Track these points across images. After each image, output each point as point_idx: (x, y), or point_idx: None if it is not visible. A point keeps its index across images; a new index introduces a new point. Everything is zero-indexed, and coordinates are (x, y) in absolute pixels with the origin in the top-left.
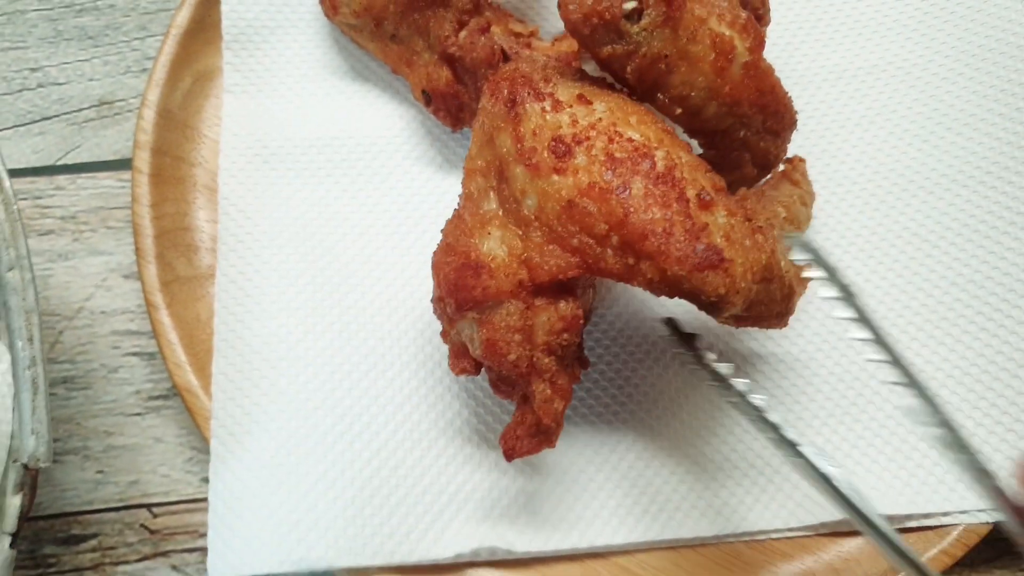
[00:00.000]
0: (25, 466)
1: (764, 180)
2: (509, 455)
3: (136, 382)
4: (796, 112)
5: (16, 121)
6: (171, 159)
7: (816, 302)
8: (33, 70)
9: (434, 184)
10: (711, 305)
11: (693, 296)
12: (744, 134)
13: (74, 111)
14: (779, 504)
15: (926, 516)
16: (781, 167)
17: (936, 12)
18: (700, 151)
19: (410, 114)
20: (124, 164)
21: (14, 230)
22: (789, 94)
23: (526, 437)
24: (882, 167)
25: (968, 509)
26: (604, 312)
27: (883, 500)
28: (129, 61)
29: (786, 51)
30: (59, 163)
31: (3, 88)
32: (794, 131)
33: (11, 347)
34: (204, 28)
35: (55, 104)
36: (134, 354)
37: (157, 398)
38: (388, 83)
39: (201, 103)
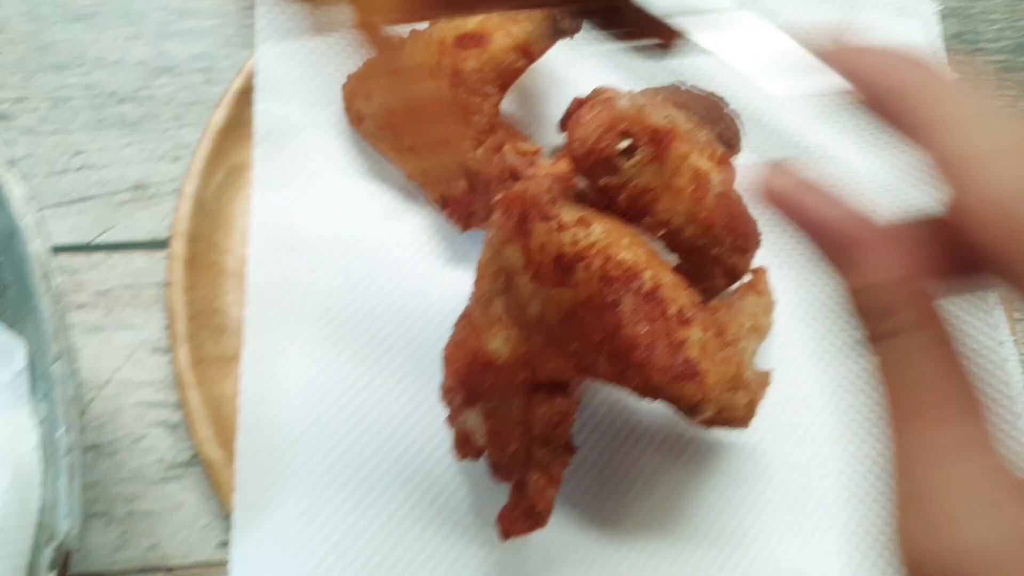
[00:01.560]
0: (58, 548)
1: (732, 288)
2: (505, 535)
3: (159, 451)
4: (760, 233)
5: (57, 200)
6: (204, 246)
7: (772, 397)
8: (75, 153)
9: (442, 278)
10: (687, 411)
11: (672, 401)
12: (716, 251)
13: (111, 193)
14: None
15: None
16: (748, 277)
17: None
18: (677, 264)
19: (421, 214)
20: (156, 244)
21: (59, 325)
22: (755, 219)
23: (520, 519)
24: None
25: None
26: (589, 399)
27: None
28: (164, 149)
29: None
30: (95, 242)
31: (46, 169)
32: (758, 248)
33: (50, 434)
34: (238, 126)
35: (94, 186)
36: (158, 424)
37: (178, 467)
38: (403, 185)
39: (232, 195)
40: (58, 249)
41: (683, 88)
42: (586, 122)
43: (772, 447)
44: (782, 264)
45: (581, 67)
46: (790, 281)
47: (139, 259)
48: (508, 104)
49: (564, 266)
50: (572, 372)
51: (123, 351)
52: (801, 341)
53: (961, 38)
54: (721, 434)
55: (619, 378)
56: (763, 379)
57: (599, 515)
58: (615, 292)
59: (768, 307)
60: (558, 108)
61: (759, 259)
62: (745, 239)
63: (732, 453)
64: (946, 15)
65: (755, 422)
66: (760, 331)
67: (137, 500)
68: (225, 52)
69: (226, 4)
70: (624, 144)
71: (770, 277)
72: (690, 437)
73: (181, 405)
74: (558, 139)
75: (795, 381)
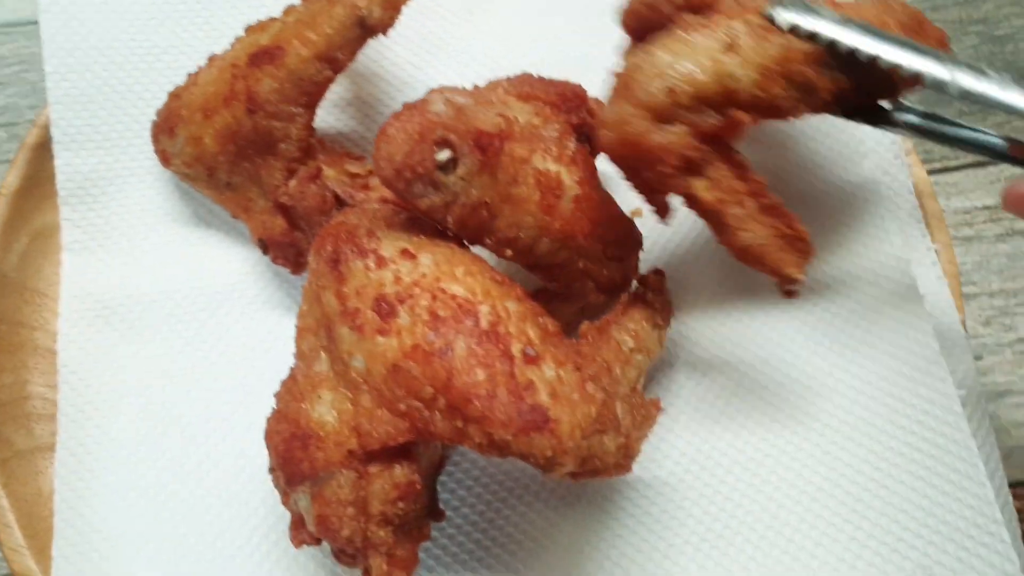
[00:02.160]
0: None
1: (616, 304)
2: None
3: None
4: (640, 234)
5: None
6: (7, 325)
7: (682, 421)
8: None
9: (281, 329)
10: (542, 466)
11: (523, 458)
12: (584, 264)
13: None
14: None
15: None
16: (635, 285)
17: None
18: (541, 287)
19: (254, 257)
20: None
21: None
22: (630, 219)
23: None
24: (741, 280)
25: None
26: (465, 452)
27: None
28: None
29: None
30: None
31: None
32: (639, 251)
33: None
34: (38, 184)
35: None
36: None
37: None
38: (232, 226)
39: (40, 263)
40: None
41: (534, 77)
42: (392, 135)
43: (685, 479)
44: (684, 263)
45: (435, 67)
46: (697, 279)
47: None
48: (345, 118)
49: (385, 310)
50: (406, 436)
51: None
52: (710, 352)
53: None
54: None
55: (460, 436)
56: (648, 410)
57: None
58: (445, 335)
59: (659, 318)
60: None
61: (656, 261)
62: (618, 246)
63: (638, 491)
64: None
65: (663, 452)
66: (646, 350)
67: None
68: (30, 102)
69: (28, 47)
70: (444, 155)
71: (676, 275)
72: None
73: None
74: None
75: (707, 399)
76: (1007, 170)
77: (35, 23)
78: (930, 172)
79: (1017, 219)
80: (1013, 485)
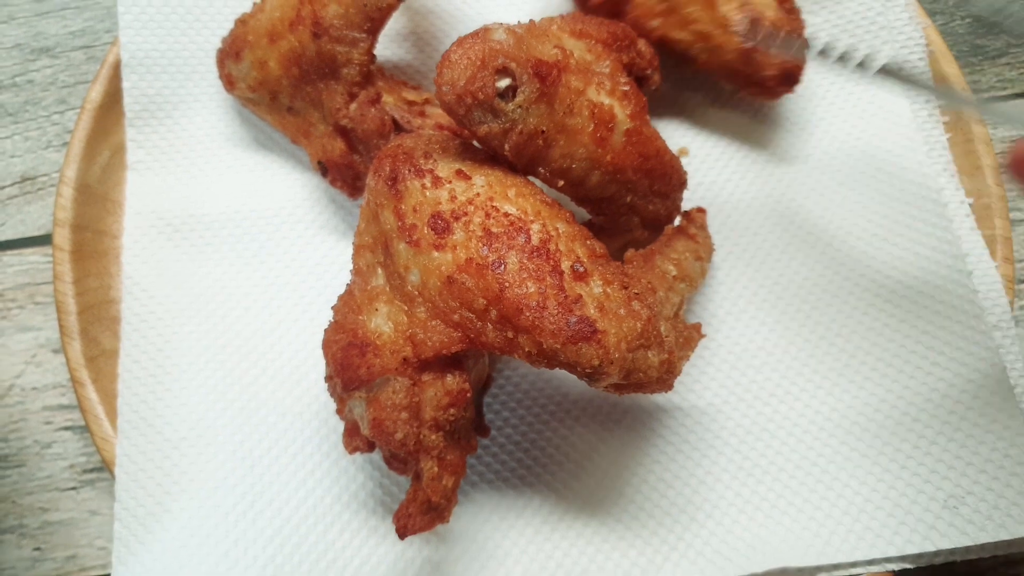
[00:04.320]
0: None
1: (659, 238)
2: (402, 533)
3: (70, 456)
4: (686, 172)
5: None
6: (92, 233)
7: (720, 354)
8: None
9: (337, 252)
10: (588, 376)
11: (570, 367)
12: (631, 199)
13: None
14: (690, 561)
15: (835, 567)
16: (678, 222)
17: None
18: (589, 219)
19: (312, 183)
20: (49, 240)
21: None
22: (676, 157)
23: (418, 515)
24: (782, 219)
25: (875, 558)
26: (510, 374)
27: (792, 552)
28: (50, 136)
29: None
30: None
31: None
32: (684, 189)
33: None
34: (119, 101)
35: None
36: (67, 428)
37: (91, 471)
38: (291, 152)
39: (120, 175)
40: None
41: (585, 16)
42: (454, 61)
43: (723, 410)
44: (728, 204)
45: (485, 4)
46: (736, 223)
47: (32, 256)
48: (401, 52)
49: (441, 226)
50: (460, 345)
51: (23, 355)
52: (751, 290)
53: None
54: (663, 399)
55: (510, 346)
56: (690, 334)
57: (528, 499)
58: (497, 250)
59: (701, 252)
60: None
61: (702, 199)
62: (665, 181)
63: (676, 419)
64: None
65: (702, 383)
66: (689, 279)
67: (51, 510)
68: (106, 25)
69: None
70: (503, 83)
71: (711, 219)
72: (627, 406)
73: (78, 404)
74: None
75: (746, 335)
76: None
77: None
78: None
79: None
80: None
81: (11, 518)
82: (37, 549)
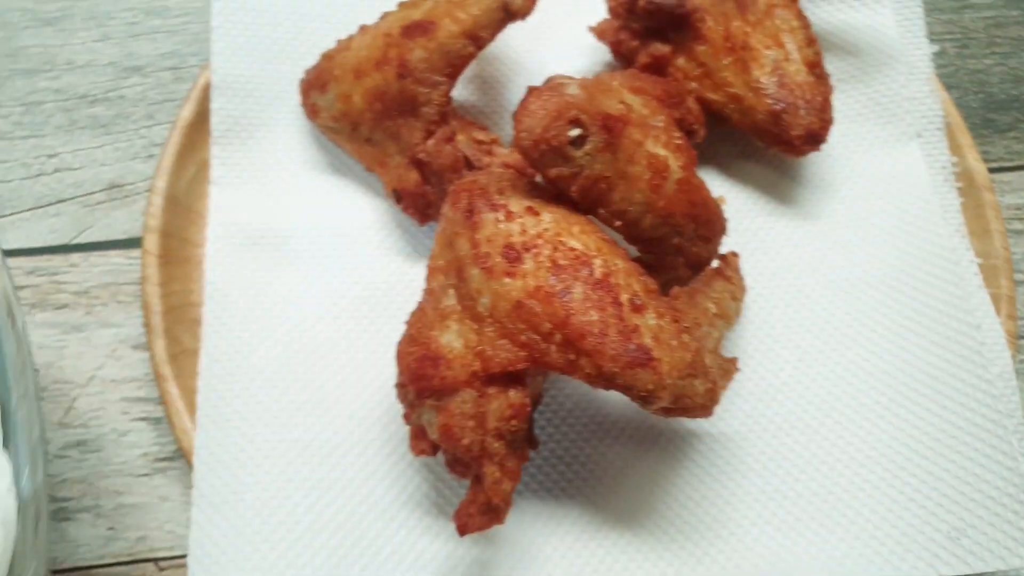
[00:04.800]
0: None
1: (698, 278)
2: (462, 531)
3: (144, 445)
4: (727, 219)
5: (34, 203)
6: (177, 241)
7: (748, 387)
8: (50, 156)
9: (402, 272)
10: (642, 398)
11: (626, 390)
12: (678, 241)
13: (87, 194)
14: (713, 574)
15: None
16: (715, 264)
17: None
18: (638, 255)
19: (382, 208)
20: (132, 243)
21: (24, 367)
22: (721, 203)
23: (478, 515)
24: (806, 267)
25: None
26: (556, 393)
27: (807, 571)
28: (137, 148)
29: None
30: (73, 242)
31: (22, 173)
32: (725, 235)
33: (16, 479)
34: (206, 120)
35: (70, 188)
36: (142, 419)
37: (163, 460)
38: (363, 179)
39: (204, 189)
40: (36, 251)
41: (642, 73)
42: (532, 111)
43: (748, 438)
44: (758, 250)
45: (543, 53)
46: (765, 268)
47: (116, 258)
48: (467, 94)
49: (513, 256)
50: (524, 363)
51: (104, 348)
52: (777, 330)
53: None
54: (694, 425)
55: (571, 368)
56: (728, 366)
57: (568, 509)
58: (564, 280)
59: (736, 292)
60: (518, 97)
61: (735, 244)
62: (709, 227)
63: (706, 444)
64: None
65: (730, 412)
66: (726, 317)
67: (124, 494)
68: (193, 49)
69: (192, 2)
70: (574, 132)
71: (742, 264)
72: (662, 428)
73: (160, 397)
74: None
75: (772, 371)
76: None
77: None
78: (990, 170)
79: None
80: None
81: (88, 498)
82: (111, 529)
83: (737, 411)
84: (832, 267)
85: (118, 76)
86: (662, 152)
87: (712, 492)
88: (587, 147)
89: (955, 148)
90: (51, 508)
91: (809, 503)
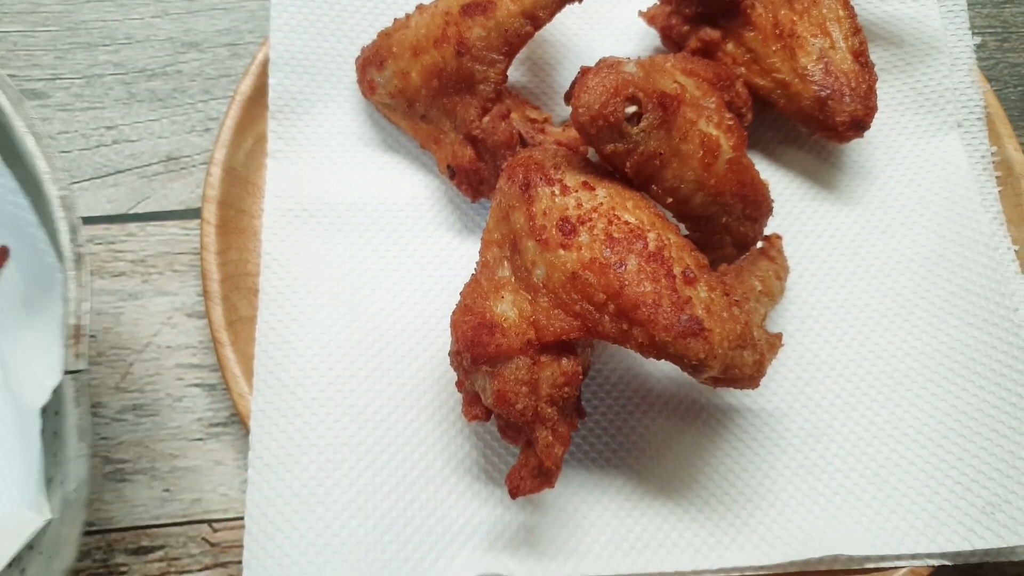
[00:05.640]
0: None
1: (743, 257)
2: (514, 493)
3: (198, 410)
4: (773, 201)
5: (93, 174)
6: (234, 211)
7: (788, 364)
8: (108, 128)
9: (453, 247)
10: (693, 367)
11: (677, 359)
12: (726, 220)
13: (144, 165)
14: (753, 544)
15: (881, 558)
16: (760, 244)
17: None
18: (687, 233)
19: (434, 184)
20: (188, 214)
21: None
22: (767, 185)
23: (529, 478)
24: (847, 250)
25: (918, 553)
26: (601, 367)
27: (844, 542)
28: (194, 121)
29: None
30: (131, 212)
31: (82, 144)
32: (771, 217)
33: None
34: (264, 95)
35: (128, 159)
36: (196, 385)
37: (217, 425)
38: (416, 156)
39: (261, 161)
40: (95, 220)
41: (694, 57)
42: (591, 87)
43: (788, 414)
44: (800, 233)
45: (593, 37)
46: (807, 251)
47: (173, 228)
48: (519, 75)
49: (568, 229)
50: (577, 333)
51: (160, 316)
52: (818, 310)
53: None
54: (735, 400)
55: (624, 337)
56: (774, 340)
57: (613, 478)
58: (619, 252)
59: (780, 272)
60: (568, 79)
61: (777, 227)
62: (756, 207)
63: (747, 419)
64: None
65: (771, 389)
66: (771, 295)
67: (179, 457)
68: (249, 27)
69: None
70: (631, 109)
71: (785, 246)
72: (704, 403)
73: (218, 362)
74: (567, 111)
75: (812, 349)
76: None
77: None
78: None
79: None
80: None
81: (144, 461)
82: (166, 491)
83: (777, 387)
84: (872, 251)
85: (176, 51)
86: (714, 132)
87: (752, 465)
88: (643, 124)
89: (994, 138)
90: (108, 469)
91: (847, 477)
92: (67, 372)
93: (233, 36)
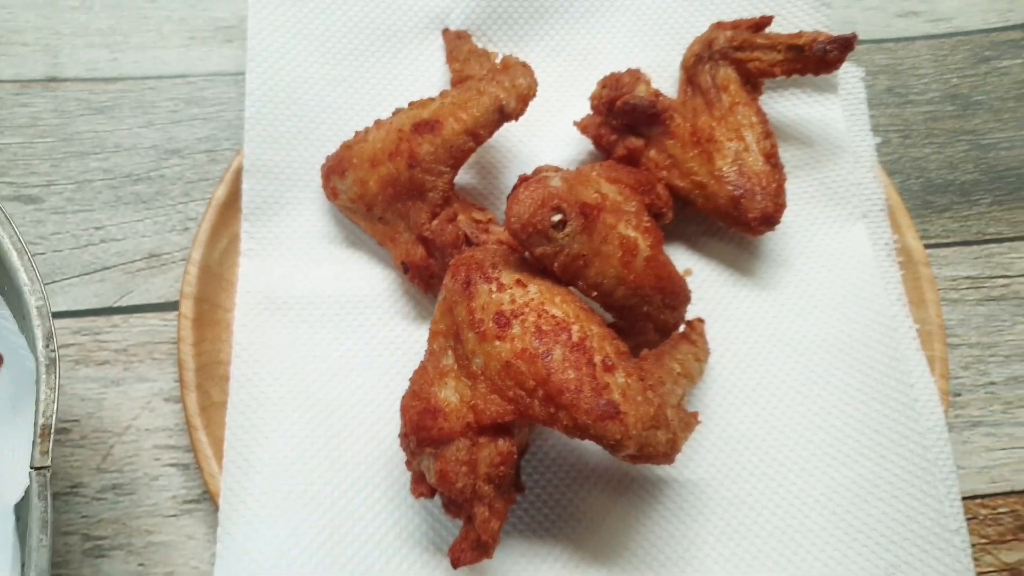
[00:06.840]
0: None
1: (666, 341)
2: (455, 563)
3: (173, 488)
4: (691, 290)
5: (82, 270)
6: (209, 305)
7: (711, 438)
8: (97, 228)
9: (408, 334)
10: (611, 447)
11: (598, 439)
12: (647, 309)
13: (128, 262)
14: None
15: None
16: (682, 328)
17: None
18: (612, 321)
19: (391, 277)
20: (167, 306)
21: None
22: (686, 276)
23: (469, 550)
24: (764, 332)
25: None
26: (541, 443)
27: None
28: (174, 221)
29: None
30: (115, 305)
31: (72, 243)
32: (689, 304)
33: None
34: (237, 199)
35: (113, 256)
36: (172, 464)
37: (190, 502)
38: (375, 252)
39: (234, 260)
40: (82, 313)
41: (618, 165)
42: (521, 199)
43: (712, 484)
44: (722, 317)
45: (535, 144)
46: (728, 333)
47: (153, 320)
48: (469, 177)
49: (503, 322)
50: (512, 416)
51: (140, 401)
52: (738, 388)
53: (892, 92)
54: (664, 472)
55: (551, 420)
56: (689, 419)
57: (551, 547)
58: (546, 343)
59: (700, 355)
60: (512, 181)
61: (700, 312)
62: (674, 297)
63: (674, 489)
64: (877, 72)
65: (696, 461)
66: (690, 376)
67: (154, 533)
68: (226, 135)
69: (227, 93)
70: (556, 218)
71: (707, 329)
72: (635, 475)
73: (191, 444)
74: None
75: (733, 424)
76: (987, 248)
77: (233, 75)
78: (926, 246)
79: (992, 287)
80: (983, 496)
81: (121, 537)
82: (141, 565)
83: (701, 460)
84: (787, 332)
85: (159, 157)
86: (632, 234)
87: (679, 533)
88: (567, 230)
89: (896, 227)
90: (87, 546)
91: (765, 543)
92: (33, 468)
93: (211, 143)
